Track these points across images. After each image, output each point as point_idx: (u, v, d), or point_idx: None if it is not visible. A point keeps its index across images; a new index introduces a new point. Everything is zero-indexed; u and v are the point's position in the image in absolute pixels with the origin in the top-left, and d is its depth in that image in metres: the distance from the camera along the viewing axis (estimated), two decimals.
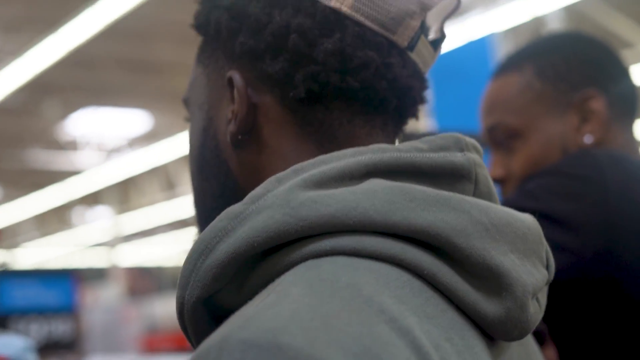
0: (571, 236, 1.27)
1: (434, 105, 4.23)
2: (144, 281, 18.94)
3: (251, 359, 0.56)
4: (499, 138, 1.56)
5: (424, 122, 4.38)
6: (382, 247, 0.68)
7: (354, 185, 0.71)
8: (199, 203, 0.89)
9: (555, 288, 1.20)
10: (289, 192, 0.69)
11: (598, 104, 1.50)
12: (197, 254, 0.71)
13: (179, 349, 8.17)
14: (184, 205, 17.94)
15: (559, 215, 1.29)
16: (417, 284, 0.68)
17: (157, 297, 17.43)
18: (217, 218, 0.71)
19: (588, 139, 1.49)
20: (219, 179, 0.85)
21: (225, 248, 0.69)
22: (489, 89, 1.61)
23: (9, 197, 19.88)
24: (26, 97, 12.62)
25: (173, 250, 24.43)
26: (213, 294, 0.71)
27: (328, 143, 0.81)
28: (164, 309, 16.16)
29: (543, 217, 1.24)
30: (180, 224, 20.90)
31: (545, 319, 1.39)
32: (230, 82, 0.82)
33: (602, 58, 1.57)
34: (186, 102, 0.92)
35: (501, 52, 4.72)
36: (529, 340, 0.87)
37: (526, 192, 1.36)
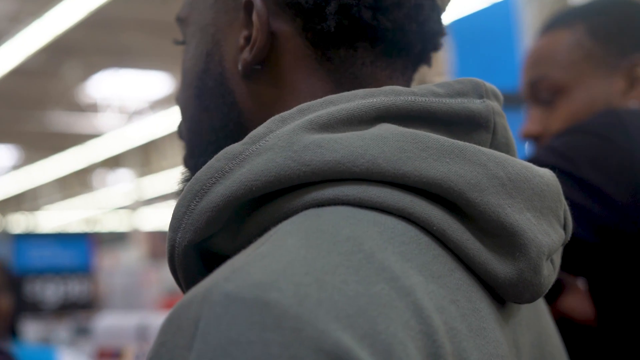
0: (596, 199, 1.26)
1: (456, 67, 4.18)
2: (164, 244, 19.07)
3: (234, 314, 0.52)
4: (542, 92, 1.54)
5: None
6: (390, 199, 0.63)
7: (363, 129, 0.66)
8: (192, 133, 0.82)
9: (582, 248, 1.18)
10: (293, 133, 0.64)
11: None
12: (191, 195, 0.66)
13: None
14: None
15: (584, 177, 1.27)
16: (424, 240, 0.63)
17: None
18: (215, 157, 0.66)
19: (633, 105, 1.48)
20: (221, 110, 0.78)
21: (222, 191, 0.64)
22: (536, 43, 1.59)
23: (30, 160, 20.01)
24: (47, 59, 12.63)
25: None
26: (206, 238, 0.67)
27: (347, 82, 0.75)
28: None
29: (567, 175, 1.22)
30: None
31: (576, 274, 1.38)
32: (248, 5, 0.76)
33: None
34: (181, 21, 0.85)
35: (525, 14, 4.64)
36: (539, 300, 0.83)
37: (552, 149, 1.34)
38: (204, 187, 0.65)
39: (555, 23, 1.59)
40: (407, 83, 0.79)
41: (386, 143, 0.64)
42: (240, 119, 0.77)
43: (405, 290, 0.57)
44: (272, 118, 0.67)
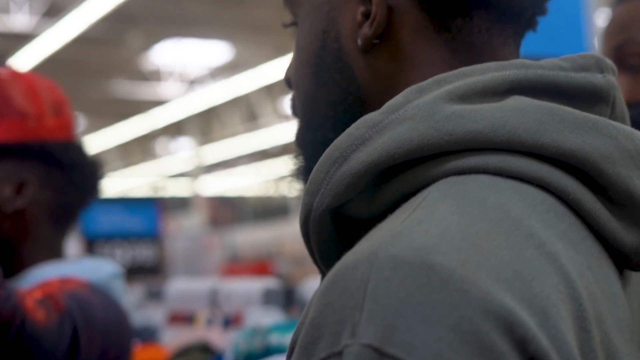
0: None
1: None
2: (225, 210, 19.18)
3: (402, 276, 0.55)
4: (628, 58, 1.50)
5: None
6: (529, 168, 0.65)
7: (497, 101, 0.68)
8: (308, 109, 0.83)
9: None
10: (433, 104, 0.67)
11: None
12: (330, 161, 0.69)
13: (259, 276, 8.29)
14: (265, 136, 18.04)
15: None
16: (561, 208, 0.66)
17: (238, 227, 17.62)
18: (353, 126, 0.69)
19: None
20: (340, 85, 0.79)
21: (363, 157, 0.67)
22: (617, 11, 1.55)
23: (93, 127, 20.22)
24: (110, 28, 12.74)
25: (254, 181, 24.65)
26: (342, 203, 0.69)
27: (465, 51, 0.76)
28: (245, 238, 16.34)
29: None
30: (261, 155, 21.05)
31: None
32: None
33: None
34: (291, 3, 0.86)
35: None
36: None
37: (632, 122, 1.31)
38: (344, 153, 0.68)
39: None
40: (518, 49, 0.81)
41: (524, 115, 0.66)
42: (359, 93, 0.79)
43: (552, 256, 0.60)
44: (409, 88, 0.69)
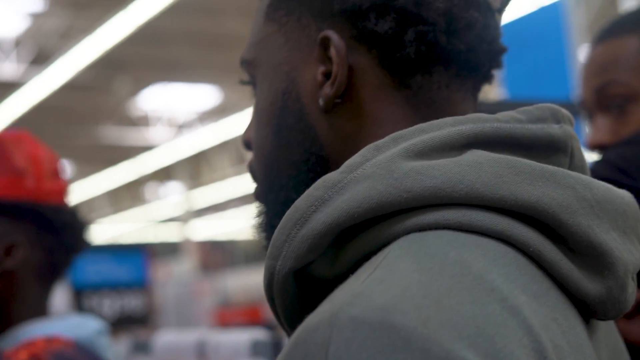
0: None
1: (505, 73, 4.15)
2: (216, 255, 19.13)
3: (363, 337, 0.55)
4: (611, 98, 1.48)
5: (494, 90, 4.29)
6: (489, 222, 0.65)
7: (455, 156, 0.68)
8: (269, 170, 0.83)
9: None
10: (391, 161, 0.67)
11: None
12: (291, 223, 0.68)
13: (252, 323, 8.24)
14: None
15: None
16: (522, 261, 0.66)
17: (230, 271, 17.56)
18: (313, 187, 0.69)
19: None
20: (303, 145, 0.80)
21: (323, 218, 0.66)
22: (596, 51, 1.53)
23: (82, 174, 20.23)
24: (97, 74, 12.79)
25: (244, 224, 24.64)
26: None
27: (425, 107, 0.77)
28: (237, 283, 16.26)
29: (627, 189, 1.19)
30: (252, 198, 21.05)
31: None
32: (324, 42, 0.78)
33: None
34: (248, 63, 0.86)
35: (573, 18, 4.61)
36: None
37: (608, 161, 1.27)
38: (304, 215, 0.67)
39: (616, 30, 1.52)
40: (475, 102, 0.82)
41: (482, 169, 0.66)
42: (322, 153, 0.79)
43: (514, 310, 0.60)
44: (367, 147, 0.69)
